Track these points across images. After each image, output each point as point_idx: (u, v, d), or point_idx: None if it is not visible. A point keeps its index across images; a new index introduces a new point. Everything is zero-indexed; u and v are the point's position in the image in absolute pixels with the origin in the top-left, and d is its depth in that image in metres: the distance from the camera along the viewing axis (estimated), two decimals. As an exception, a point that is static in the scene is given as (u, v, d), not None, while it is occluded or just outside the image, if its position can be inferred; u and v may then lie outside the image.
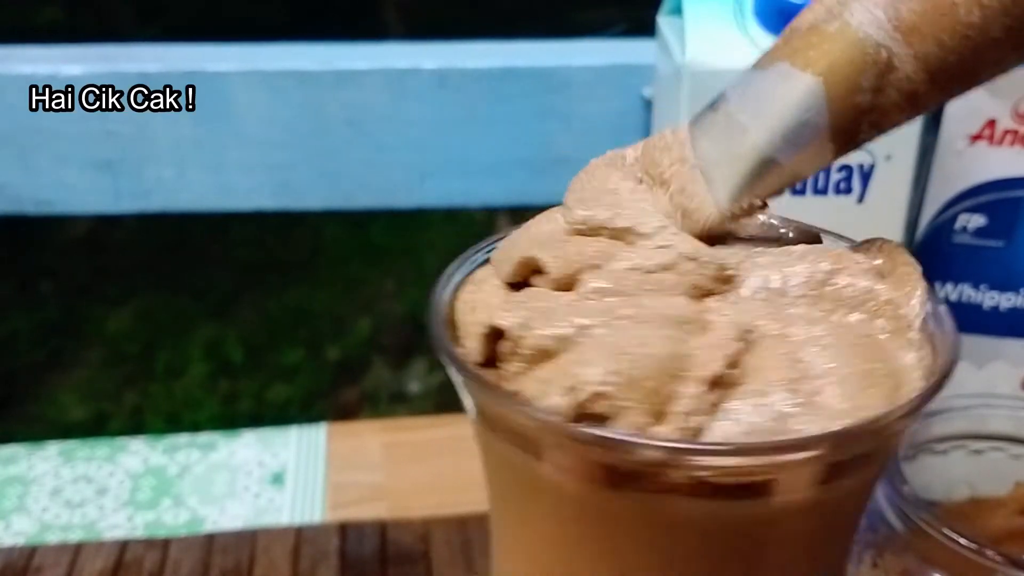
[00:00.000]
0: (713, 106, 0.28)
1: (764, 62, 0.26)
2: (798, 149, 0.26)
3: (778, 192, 0.27)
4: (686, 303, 0.24)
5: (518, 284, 0.27)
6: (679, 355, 0.23)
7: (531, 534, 0.27)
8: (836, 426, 0.22)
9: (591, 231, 0.26)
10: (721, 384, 0.23)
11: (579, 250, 0.25)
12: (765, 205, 0.27)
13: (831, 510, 0.25)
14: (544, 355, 0.24)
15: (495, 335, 0.25)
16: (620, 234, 0.26)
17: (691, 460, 0.22)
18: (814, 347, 0.24)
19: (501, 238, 0.29)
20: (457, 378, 0.26)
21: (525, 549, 0.28)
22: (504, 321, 0.24)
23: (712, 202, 0.27)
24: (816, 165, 0.26)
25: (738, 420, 0.22)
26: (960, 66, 0.24)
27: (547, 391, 0.23)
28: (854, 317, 0.25)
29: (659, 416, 0.22)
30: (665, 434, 0.22)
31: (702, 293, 0.25)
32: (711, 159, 0.27)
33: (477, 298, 0.27)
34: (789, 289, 0.26)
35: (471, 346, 0.25)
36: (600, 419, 0.22)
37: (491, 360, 0.25)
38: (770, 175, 0.26)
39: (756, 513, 0.24)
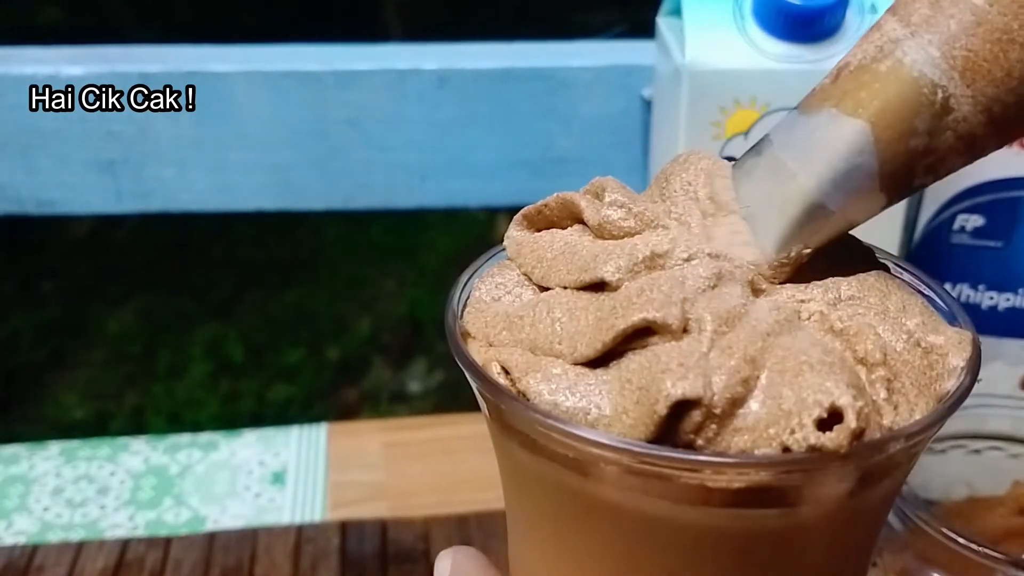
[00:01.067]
0: (757, 149, 0.26)
1: (811, 103, 0.25)
2: (848, 195, 0.24)
3: (827, 240, 0.25)
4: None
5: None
6: (851, 367, 0.23)
7: (550, 538, 0.27)
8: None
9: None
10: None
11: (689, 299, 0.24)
12: (811, 254, 0.26)
13: (859, 517, 0.25)
14: (733, 405, 0.22)
15: (678, 408, 0.22)
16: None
17: (721, 473, 0.22)
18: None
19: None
20: (493, 404, 0.25)
21: (544, 551, 0.27)
22: (694, 389, 0.22)
23: (759, 250, 0.26)
24: (868, 212, 0.25)
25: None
26: (1020, 107, 0.23)
27: (766, 436, 0.22)
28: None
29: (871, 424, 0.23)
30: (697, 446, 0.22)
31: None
32: (756, 204, 0.26)
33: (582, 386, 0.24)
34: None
35: (642, 428, 0.22)
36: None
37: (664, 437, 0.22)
38: (819, 222, 0.25)
39: (784, 523, 0.24)
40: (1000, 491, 0.45)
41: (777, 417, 0.22)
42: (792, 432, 0.22)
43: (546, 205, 0.28)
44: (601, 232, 0.26)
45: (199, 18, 2.27)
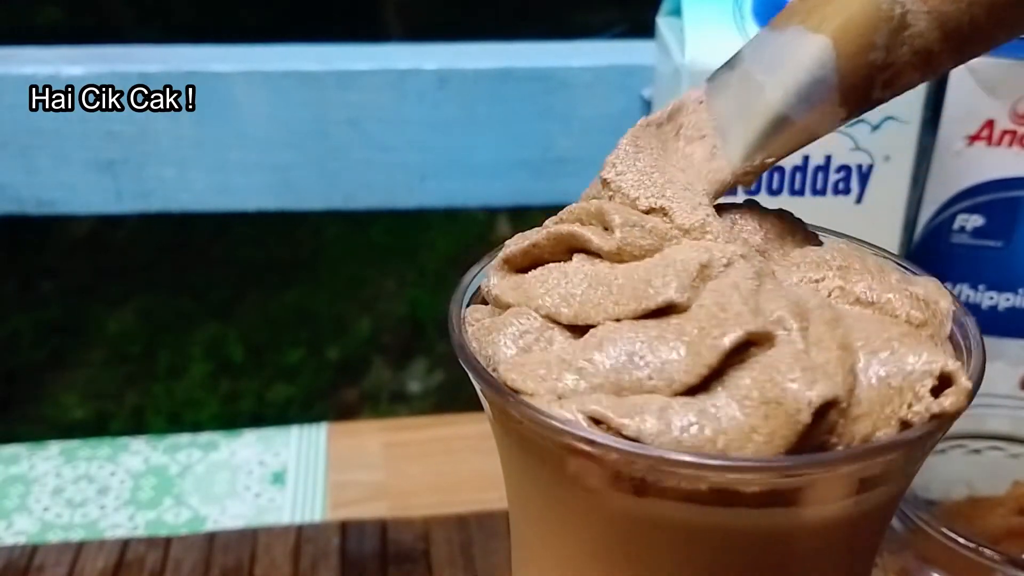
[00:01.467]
0: (730, 64, 0.28)
1: (779, 21, 0.26)
2: (811, 106, 0.26)
3: (791, 151, 0.27)
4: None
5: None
6: (917, 333, 0.25)
7: (553, 539, 0.27)
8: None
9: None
10: None
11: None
12: (775, 163, 0.27)
13: (861, 520, 0.25)
14: (851, 395, 0.22)
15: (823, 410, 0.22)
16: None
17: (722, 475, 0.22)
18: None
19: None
20: (495, 401, 0.25)
21: (547, 553, 0.27)
22: (832, 390, 0.22)
23: (726, 159, 0.27)
24: (830, 124, 0.26)
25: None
26: (974, 25, 0.24)
27: (884, 416, 0.22)
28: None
29: None
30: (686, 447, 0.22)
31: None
32: (727, 117, 0.27)
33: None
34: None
35: (781, 441, 0.22)
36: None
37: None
38: (784, 133, 0.26)
39: (784, 524, 0.24)
40: (1000, 491, 0.45)
41: (890, 396, 0.22)
42: (910, 406, 0.22)
43: (534, 245, 0.27)
44: (621, 256, 0.25)
45: (199, 18, 2.27)
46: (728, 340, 0.22)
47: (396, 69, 0.64)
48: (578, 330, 0.25)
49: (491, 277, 0.27)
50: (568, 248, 0.27)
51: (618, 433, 0.22)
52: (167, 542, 0.53)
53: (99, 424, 1.54)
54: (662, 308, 0.24)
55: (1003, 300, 0.51)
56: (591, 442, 0.22)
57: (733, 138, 0.27)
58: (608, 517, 0.24)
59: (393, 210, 0.69)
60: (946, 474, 0.45)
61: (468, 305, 0.28)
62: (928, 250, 0.51)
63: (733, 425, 0.22)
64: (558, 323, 0.25)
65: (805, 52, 0.25)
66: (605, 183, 0.27)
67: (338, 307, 1.80)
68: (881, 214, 0.50)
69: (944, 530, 0.37)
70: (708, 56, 0.48)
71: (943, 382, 0.23)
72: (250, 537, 0.53)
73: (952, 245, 0.51)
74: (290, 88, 0.63)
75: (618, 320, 0.24)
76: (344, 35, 0.74)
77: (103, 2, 2.34)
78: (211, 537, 0.53)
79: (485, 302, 0.28)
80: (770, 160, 0.27)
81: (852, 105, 0.26)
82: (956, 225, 0.50)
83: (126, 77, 0.62)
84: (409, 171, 0.66)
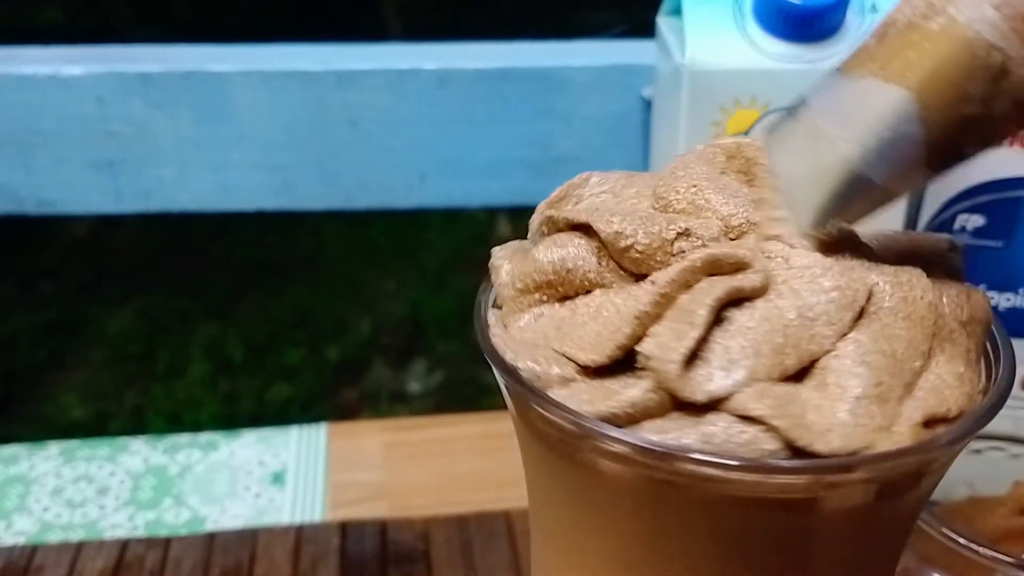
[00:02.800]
0: (792, 113, 0.24)
1: (853, 64, 0.23)
2: (894, 166, 0.23)
3: (868, 215, 0.24)
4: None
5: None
6: None
7: (573, 537, 0.27)
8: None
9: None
10: None
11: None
12: (851, 230, 0.24)
13: (882, 524, 0.25)
14: None
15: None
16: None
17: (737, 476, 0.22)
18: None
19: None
20: (518, 393, 0.25)
21: (570, 551, 0.27)
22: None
23: (794, 225, 0.24)
24: (913, 184, 0.24)
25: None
26: None
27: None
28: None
29: None
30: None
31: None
32: (792, 174, 0.24)
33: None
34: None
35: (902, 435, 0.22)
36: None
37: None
38: (861, 195, 0.23)
39: (803, 525, 0.24)
40: (1000, 491, 0.45)
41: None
42: None
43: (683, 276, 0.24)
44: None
45: (199, 18, 2.27)
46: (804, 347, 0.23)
47: (396, 69, 0.64)
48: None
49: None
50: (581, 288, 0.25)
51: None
52: (167, 542, 0.53)
53: (99, 424, 1.54)
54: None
55: (1003, 300, 0.51)
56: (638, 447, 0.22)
57: (801, 199, 0.24)
58: (635, 514, 0.24)
59: (393, 210, 0.69)
60: (946, 474, 0.45)
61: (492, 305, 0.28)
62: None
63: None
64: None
65: (887, 104, 0.22)
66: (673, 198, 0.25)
67: (338, 307, 1.80)
68: (882, 214, 0.49)
69: (944, 530, 0.37)
70: (708, 56, 0.48)
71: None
72: (250, 537, 0.53)
73: (952, 245, 0.51)
74: (290, 88, 0.63)
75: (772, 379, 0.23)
76: (344, 35, 0.74)
77: (103, 2, 2.34)
78: (211, 537, 0.53)
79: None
80: (845, 228, 0.24)
81: (940, 163, 0.23)
82: (956, 225, 0.50)
83: (126, 77, 0.62)
84: (409, 171, 0.66)
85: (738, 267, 0.24)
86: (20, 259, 1.84)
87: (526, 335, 0.25)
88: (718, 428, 0.22)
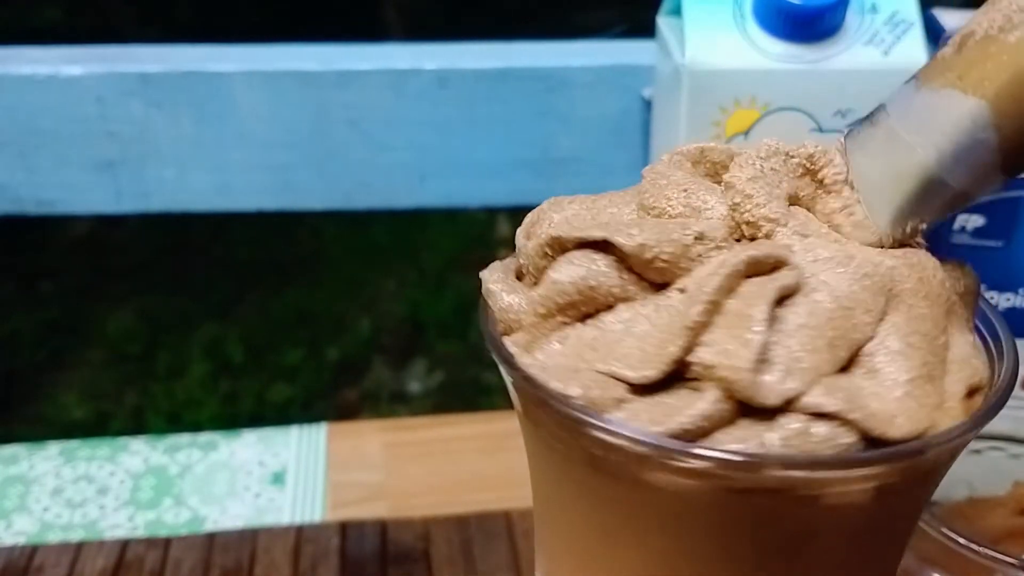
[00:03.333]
0: (871, 119, 0.26)
1: (931, 74, 0.24)
2: (969, 170, 0.24)
3: (944, 216, 0.25)
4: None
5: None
6: None
7: (577, 533, 0.27)
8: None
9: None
10: None
11: None
12: (928, 229, 0.25)
13: (887, 516, 0.25)
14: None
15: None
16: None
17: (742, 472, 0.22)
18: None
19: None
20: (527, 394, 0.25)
21: (568, 545, 0.27)
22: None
23: (873, 226, 0.25)
24: (988, 186, 0.24)
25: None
26: None
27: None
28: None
29: None
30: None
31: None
32: (870, 177, 0.25)
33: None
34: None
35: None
36: None
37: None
38: (938, 197, 0.24)
39: (809, 523, 0.24)
40: (1000, 491, 0.45)
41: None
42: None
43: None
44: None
45: (199, 18, 2.27)
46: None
47: (396, 69, 0.64)
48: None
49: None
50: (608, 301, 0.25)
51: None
52: (167, 542, 0.53)
53: (99, 424, 1.54)
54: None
55: (1003, 300, 0.51)
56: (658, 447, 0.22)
57: (879, 202, 0.25)
58: (643, 509, 0.24)
59: (393, 210, 0.69)
60: (946, 474, 0.45)
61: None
62: (928, 249, 0.51)
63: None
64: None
65: (965, 112, 0.23)
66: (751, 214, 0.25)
67: (338, 307, 1.80)
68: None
69: (944, 530, 0.37)
70: (708, 56, 0.48)
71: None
72: (250, 537, 0.53)
73: (952, 245, 0.51)
74: (290, 88, 0.63)
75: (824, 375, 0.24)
76: (344, 35, 0.74)
77: (103, 2, 2.34)
78: (211, 537, 0.53)
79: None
80: (923, 227, 0.25)
81: (1013, 167, 0.24)
82: (956, 225, 0.50)
83: (126, 77, 0.62)
84: (409, 171, 0.66)
85: (776, 265, 0.24)
86: (20, 259, 1.84)
87: (559, 360, 0.24)
88: (794, 429, 0.22)
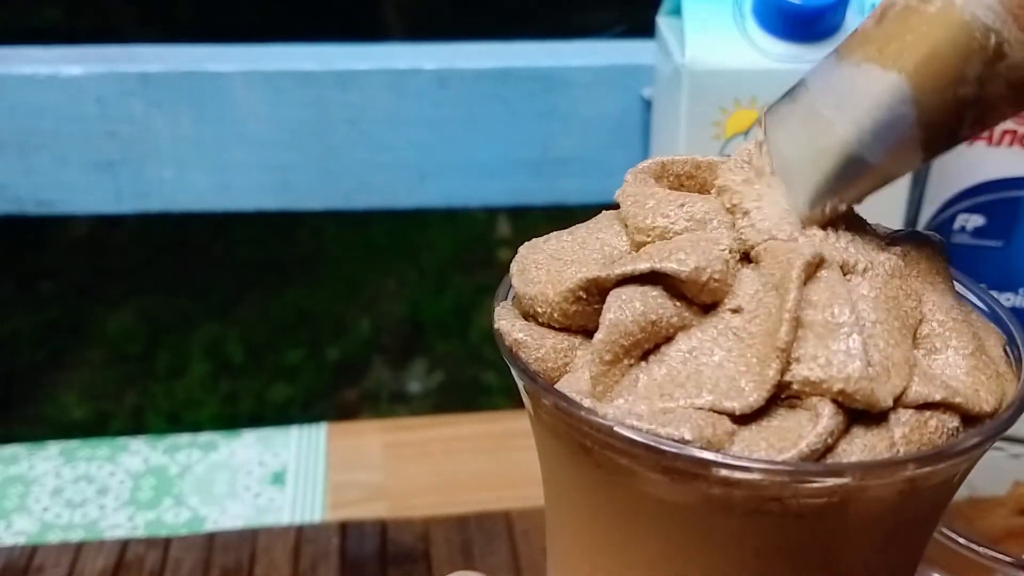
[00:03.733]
0: (791, 95, 0.25)
1: (851, 47, 0.23)
2: (890, 147, 0.23)
3: (863, 196, 0.24)
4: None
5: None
6: None
7: (589, 538, 0.27)
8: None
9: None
10: None
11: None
12: (849, 210, 0.25)
13: (907, 523, 0.25)
14: None
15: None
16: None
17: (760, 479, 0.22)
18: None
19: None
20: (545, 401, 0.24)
21: (580, 551, 0.27)
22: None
23: (791, 204, 0.24)
24: (909, 165, 0.24)
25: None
26: None
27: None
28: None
29: None
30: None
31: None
32: (789, 155, 0.24)
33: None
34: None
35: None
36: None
37: None
38: (857, 175, 0.24)
39: (835, 531, 0.24)
40: (1000, 491, 0.45)
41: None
42: None
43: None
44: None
45: (199, 18, 2.27)
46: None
47: (396, 69, 0.64)
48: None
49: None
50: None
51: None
52: (167, 542, 0.53)
53: (99, 424, 1.54)
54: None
55: (1004, 300, 0.51)
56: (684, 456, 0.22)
57: (799, 180, 0.24)
58: (656, 513, 0.24)
59: (393, 210, 0.69)
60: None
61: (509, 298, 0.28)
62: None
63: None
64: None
65: (884, 87, 0.22)
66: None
67: (338, 307, 1.80)
68: (881, 213, 0.49)
69: (944, 530, 0.37)
70: (708, 56, 0.48)
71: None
72: (250, 537, 0.53)
73: (952, 245, 0.51)
74: (290, 88, 0.63)
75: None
76: (344, 35, 0.74)
77: (103, 2, 2.34)
78: (211, 537, 0.53)
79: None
80: (842, 207, 0.24)
81: (936, 144, 0.23)
82: (956, 225, 0.50)
83: (126, 77, 0.62)
84: (409, 171, 0.66)
85: (819, 264, 0.23)
86: (20, 259, 1.84)
87: (641, 407, 0.23)
88: (911, 424, 0.22)
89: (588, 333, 0.24)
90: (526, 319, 0.26)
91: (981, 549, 0.36)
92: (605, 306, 0.24)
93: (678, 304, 0.24)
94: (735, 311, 0.24)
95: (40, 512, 0.56)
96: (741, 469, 0.22)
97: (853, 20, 0.49)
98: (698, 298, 0.24)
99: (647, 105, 0.62)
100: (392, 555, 0.52)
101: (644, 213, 0.25)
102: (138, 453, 0.60)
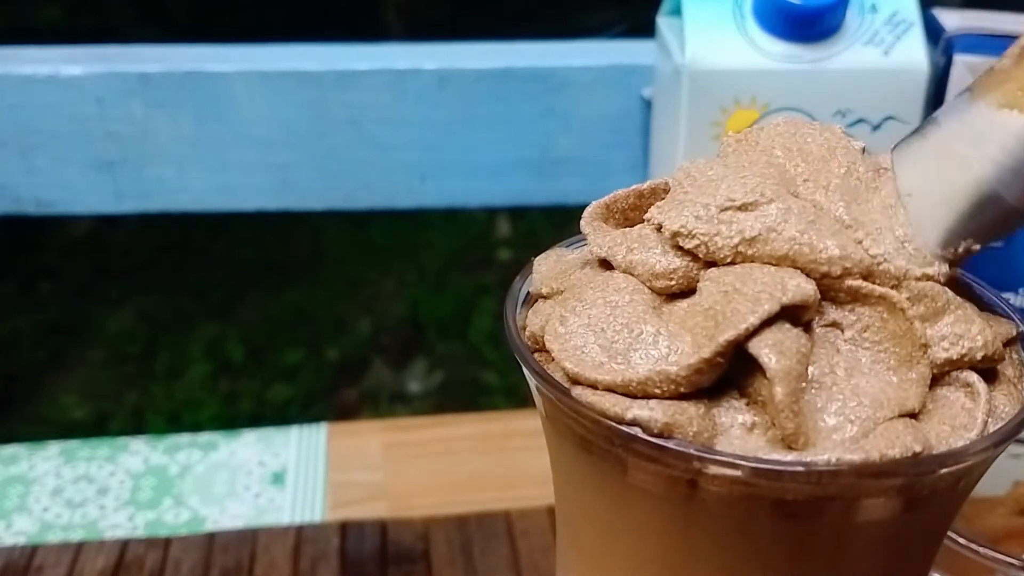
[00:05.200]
0: (921, 132, 0.25)
1: (988, 85, 0.23)
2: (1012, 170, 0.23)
3: (998, 237, 0.24)
4: None
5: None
6: None
7: (609, 539, 0.27)
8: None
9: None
10: None
11: None
12: (978, 252, 0.24)
13: (919, 524, 0.25)
14: None
15: None
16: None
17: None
18: None
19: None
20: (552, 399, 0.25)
21: (601, 551, 0.27)
22: None
23: (921, 243, 0.24)
24: None
25: None
26: None
27: None
28: None
29: None
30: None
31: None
32: (920, 193, 0.24)
33: None
34: None
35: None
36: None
37: None
38: (993, 214, 0.23)
39: (840, 527, 0.24)
40: (1000, 491, 0.45)
41: None
42: None
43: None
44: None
45: (199, 18, 2.27)
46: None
47: (396, 69, 0.64)
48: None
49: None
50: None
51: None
52: (167, 542, 0.53)
53: (99, 424, 1.54)
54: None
55: (1003, 300, 0.51)
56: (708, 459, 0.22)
57: (930, 220, 0.24)
58: (669, 517, 0.24)
59: (393, 210, 0.69)
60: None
61: (524, 303, 0.28)
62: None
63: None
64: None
65: (1022, 126, 0.22)
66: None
67: (338, 307, 1.80)
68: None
69: (944, 530, 0.37)
70: (708, 56, 0.48)
71: None
72: (250, 537, 0.53)
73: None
74: (290, 88, 0.63)
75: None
76: (344, 35, 0.74)
77: (103, 2, 2.34)
78: (211, 537, 0.53)
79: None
80: (976, 247, 0.24)
81: None
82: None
83: (126, 77, 0.62)
84: (409, 171, 0.66)
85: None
86: (20, 259, 1.84)
87: (840, 439, 0.23)
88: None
89: (696, 393, 0.23)
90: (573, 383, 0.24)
91: (981, 549, 0.36)
92: (757, 357, 0.22)
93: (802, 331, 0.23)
94: (832, 326, 0.24)
95: (40, 512, 0.56)
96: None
97: (853, 20, 0.49)
98: (801, 321, 0.24)
99: (647, 105, 0.62)
100: (392, 555, 0.52)
101: (646, 258, 0.25)
102: (138, 453, 0.60)
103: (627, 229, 0.26)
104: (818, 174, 0.25)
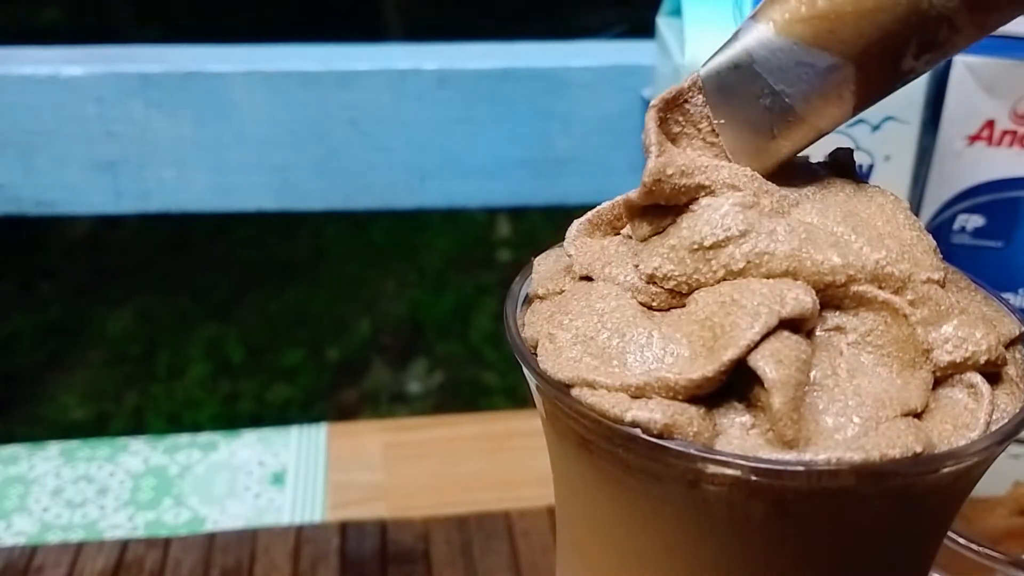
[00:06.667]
0: (735, 64, 0.26)
1: (787, 28, 0.25)
2: (826, 106, 0.25)
3: (798, 151, 0.26)
4: None
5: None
6: None
7: (610, 539, 0.27)
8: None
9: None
10: None
11: None
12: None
13: (919, 524, 0.26)
14: None
15: None
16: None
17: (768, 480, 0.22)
18: None
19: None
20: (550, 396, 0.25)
21: (602, 551, 0.27)
22: None
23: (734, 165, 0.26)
24: (838, 117, 0.25)
25: None
26: None
27: None
28: None
29: None
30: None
31: None
32: (732, 118, 0.26)
33: None
34: None
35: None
36: None
37: None
38: (791, 131, 0.25)
39: (855, 526, 0.24)
40: (1000, 491, 0.45)
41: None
42: None
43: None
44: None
45: (199, 18, 2.27)
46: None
47: (396, 69, 0.64)
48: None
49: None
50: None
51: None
52: (167, 543, 0.53)
53: (99, 424, 1.54)
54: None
55: (1003, 300, 0.51)
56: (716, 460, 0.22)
57: (743, 146, 0.26)
58: (669, 513, 0.24)
59: (393, 210, 0.69)
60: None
61: (524, 303, 0.28)
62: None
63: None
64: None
65: (823, 65, 0.24)
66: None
67: (338, 307, 1.80)
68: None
69: (944, 530, 0.37)
70: (708, 56, 0.48)
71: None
72: (250, 538, 0.53)
73: (952, 245, 0.51)
74: (290, 88, 0.63)
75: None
76: (344, 35, 0.75)
77: (103, 2, 2.34)
78: (211, 537, 0.53)
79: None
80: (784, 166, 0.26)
81: (863, 98, 0.25)
82: (956, 225, 0.50)
83: (126, 77, 0.62)
84: (409, 171, 0.66)
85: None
86: (20, 259, 1.84)
87: (839, 440, 0.23)
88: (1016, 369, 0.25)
89: (700, 396, 0.23)
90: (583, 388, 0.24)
91: (981, 549, 0.36)
92: (755, 369, 0.23)
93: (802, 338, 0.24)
94: (836, 331, 0.24)
95: (40, 512, 0.56)
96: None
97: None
98: (802, 329, 0.24)
99: (646, 105, 0.62)
100: (392, 555, 0.52)
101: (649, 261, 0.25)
102: (138, 453, 0.60)
103: (607, 242, 0.27)
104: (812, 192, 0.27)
